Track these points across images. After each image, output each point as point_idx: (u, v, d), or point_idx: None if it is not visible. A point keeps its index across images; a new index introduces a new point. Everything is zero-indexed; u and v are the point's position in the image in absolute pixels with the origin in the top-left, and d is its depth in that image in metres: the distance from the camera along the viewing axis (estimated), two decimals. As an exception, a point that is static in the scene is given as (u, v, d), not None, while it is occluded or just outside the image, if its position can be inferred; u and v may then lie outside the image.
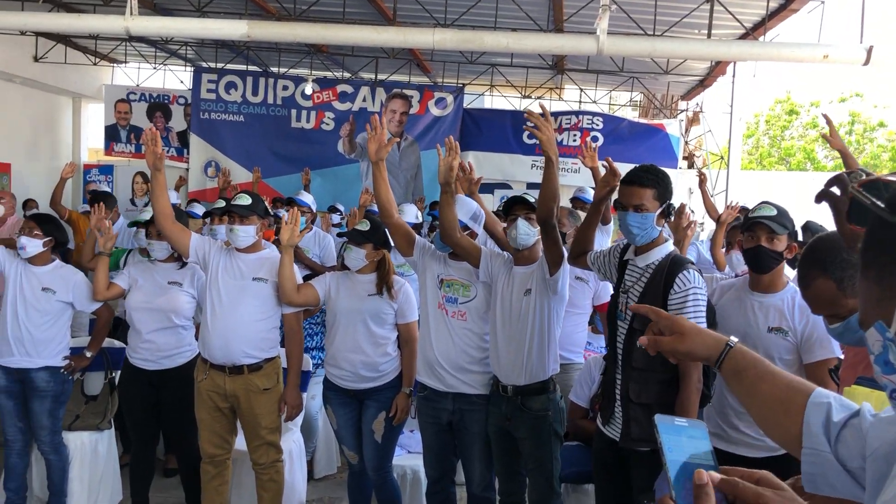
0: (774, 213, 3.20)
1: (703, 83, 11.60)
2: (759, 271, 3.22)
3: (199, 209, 7.10)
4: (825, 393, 1.28)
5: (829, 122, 4.25)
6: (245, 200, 4.10)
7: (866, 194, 0.94)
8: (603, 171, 3.62)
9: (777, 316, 3.15)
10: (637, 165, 3.26)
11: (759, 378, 1.35)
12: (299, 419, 4.56)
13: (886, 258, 0.88)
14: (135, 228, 5.04)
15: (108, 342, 4.91)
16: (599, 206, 3.59)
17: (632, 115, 13.59)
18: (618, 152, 11.04)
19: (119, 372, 4.93)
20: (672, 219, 3.43)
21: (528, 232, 3.63)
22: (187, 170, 11.96)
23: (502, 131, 11.71)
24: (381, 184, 3.80)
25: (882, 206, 0.90)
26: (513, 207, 3.70)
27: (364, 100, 11.80)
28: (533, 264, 3.70)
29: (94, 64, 12.16)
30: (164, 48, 11.89)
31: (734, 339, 1.41)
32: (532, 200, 3.65)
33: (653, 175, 3.17)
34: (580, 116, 11.71)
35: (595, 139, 11.27)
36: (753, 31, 8.23)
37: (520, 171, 11.59)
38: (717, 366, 1.40)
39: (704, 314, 3.01)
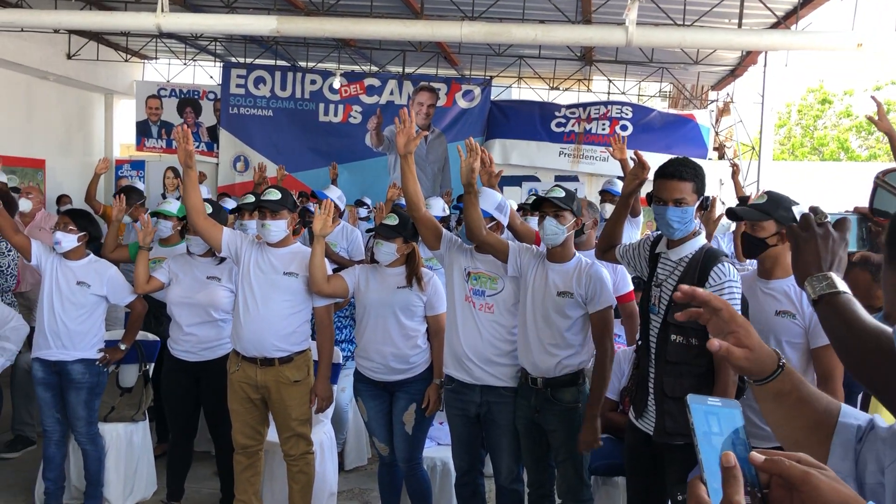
0: (763, 201, 3.20)
1: (734, 73, 11.46)
2: (746, 256, 3.40)
3: (230, 204, 7.17)
4: (853, 413, 1.23)
5: (878, 105, 4.17)
6: (275, 195, 4.14)
7: (891, 184, 0.88)
8: (632, 164, 3.60)
9: (785, 300, 3.13)
10: (672, 158, 3.24)
11: (802, 402, 1.27)
12: (330, 411, 4.59)
13: None
14: (155, 219, 5.12)
15: (142, 335, 4.99)
16: (629, 200, 3.57)
17: (661, 105, 13.45)
18: (647, 142, 10.98)
19: (153, 364, 5.02)
20: (704, 211, 3.42)
21: (555, 231, 3.62)
22: (217, 165, 12.08)
23: (530, 119, 11.68)
24: (409, 177, 3.80)
25: None
26: (542, 205, 3.70)
27: (391, 93, 11.84)
28: (568, 263, 3.69)
29: (126, 60, 12.31)
30: (193, 44, 12.00)
31: (783, 359, 1.30)
32: (561, 195, 3.65)
33: (691, 168, 3.15)
34: (609, 106, 11.64)
35: (624, 128, 11.20)
36: (785, 20, 8.11)
37: (547, 158, 11.51)
38: (762, 382, 1.27)
39: (740, 307, 2.99)
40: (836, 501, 0.90)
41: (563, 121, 11.57)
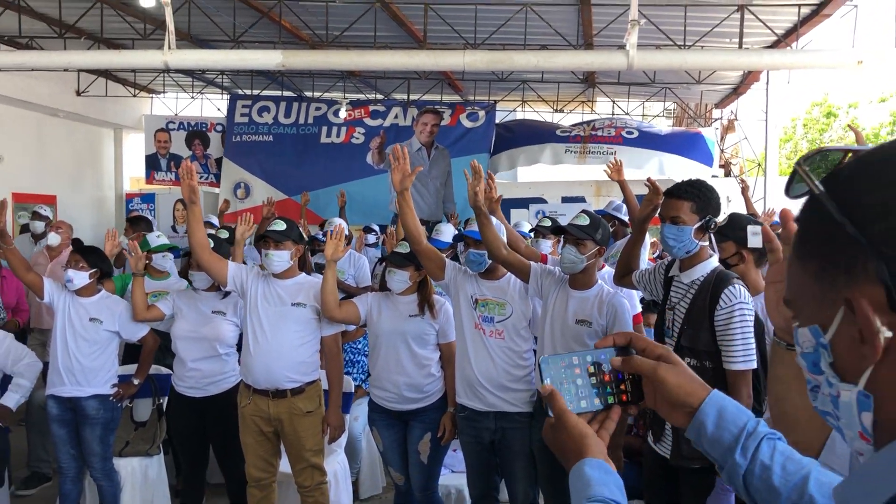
0: (722, 223, 3.33)
1: (737, 91, 11.52)
2: None
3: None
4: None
5: (857, 133, 4.25)
6: (280, 226, 4.18)
7: (810, 175, 0.80)
8: (632, 188, 3.63)
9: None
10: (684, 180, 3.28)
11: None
12: (343, 440, 4.60)
13: (831, 257, 0.75)
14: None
15: (155, 369, 5.01)
16: (644, 225, 3.59)
17: (666, 124, 13.52)
18: (654, 142, 10.95)
19: (166, 398, 5.04)
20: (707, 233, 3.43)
21: (572, 260, 3.61)
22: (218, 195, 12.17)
23: (535, 129, 11.73)
24: (407, 213, 3.82)
25: (822, 189, 0.77)
26: (564, 231, 3.72)
27: (395, 117, 11.88)
28: (589, 290, 3.70)
29: (134, 96, 12.47)
30: (201, 77, 12.15)
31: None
32: (585, 223, 3.65)
33: (693, 188, 3.17)
34: (613, 120, 11.70)
35: (630, 133, 11.19)
36: (786, 38, 8.16)
37: (552, 156, 11.34)
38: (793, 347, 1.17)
39: (752, 329, 2.99)
40: (678, 389, 1.08)
41: (568, 131, 11.59)
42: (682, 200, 3.13)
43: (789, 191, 0.84)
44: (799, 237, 0.81)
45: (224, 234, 5.43)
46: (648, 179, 3.58)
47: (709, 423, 1.10)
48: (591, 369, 1.15)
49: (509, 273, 3.95)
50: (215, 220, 7.31)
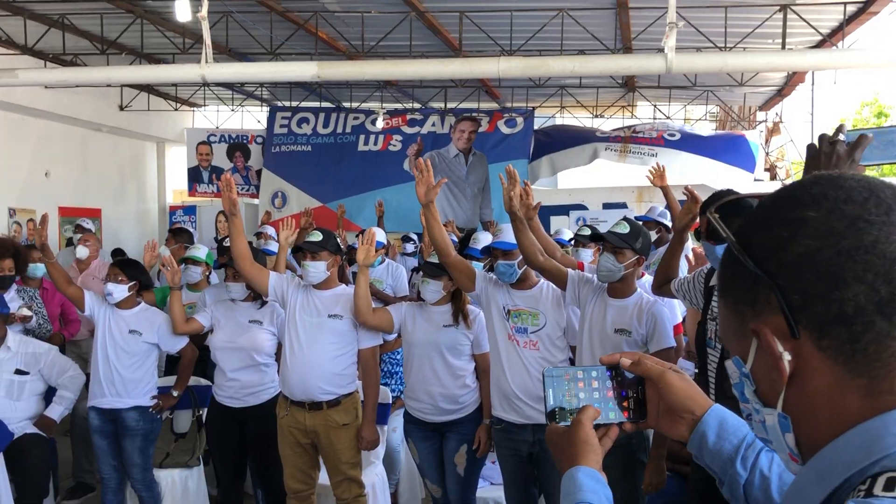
0: (625, 230, 3.46)
1: (781, 93, 11.28)
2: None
3: (273, 246, 7.23)
4: None
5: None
6: (316, 237, 4.18)
7: (720, 222, 0.91)
8: (675, 195, 3.55)
9: None
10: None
11: None
12: (381, 451, 4.57)
13: (741, 295, 0.84)
14: (184, 264, 5.22)
15: (195, 380, 5.04)
16: (682, 235, 3.51)
17: (709, 128, 13.31)
18: (695, 146, 10.79)
19: (205, 409, 5.06)
20: None
21: (609, 268, 3.56)
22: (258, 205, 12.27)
23: (573, 134, 11.64)
24: (434, 226, 3.79)
25: (734, 238, 0.86)
26: (600, 239, 3.66)
27: (433, 125, 11.87)
28: (628, 298, 3.63)
29: (176, 109, 12.66)
30: (240, 91, 12.30)
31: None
32: (624, 231, 3.59)
33: (740, 206, 3.08)
34: (654, 124, 11.56)
35: (672, 135, 11.04)
36: (831, 38, 7.96)
37: (592, 155, 11.20)
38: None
39: None
40: (683, 394, 1.14)
41: (608, 134, 11.47)
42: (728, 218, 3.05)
43: (708, 236, 0.95)
44: (719, 278, 0.91)
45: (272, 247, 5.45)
46: (687, 188, 3.50)
47: (710, 433, 1.14)
48: (595, 384, 1.18)
49: (542, 282, 3.89)
50: (271, 231, 7.34)
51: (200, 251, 5.35)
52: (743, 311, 0.84)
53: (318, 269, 4.13)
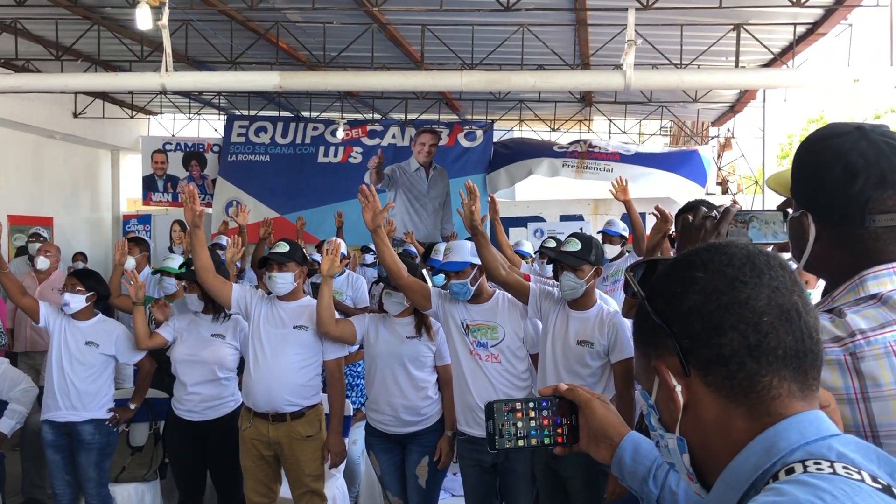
0: (577, 248, 3.56)
1: (734, 109, 11.55)
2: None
3: (222, 239, 7.14)
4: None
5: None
6: (283, 248, 4.16)
7: (633, 279, 1.09)
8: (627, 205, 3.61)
9: None
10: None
11: None
12: (342, 465, 4.55)
13: (648, 339, 1.03)
14: (158, 275, 5.15)
15: (152, 392, 4.97)
16: (654, 253, 3.58)
17: (662, 142, 13.56)
18: (649, 160, 10.97)
19: (163, 422, 4.99)
20: None
21: (572, 286, 3.65)
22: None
23: (532, 145, 11.74)
24: (384, 250, 3.82)
25: (643, 294, 1.04)
26: (560, 259, 3.71)
27: (393, 136, 11.87)
28: (589, 310, 3.69)
29: (132, 117, 12.46)
30: (198, 98, 12.16)
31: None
32: (577, 249, 3.65)
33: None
34: (609, 145, 11.73)
35: (627, 151, 11.21)
36: (781, 56, 8.19)
37: (549, 169, 11.26)
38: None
39: None
40: (605, 421, 1.30)
41: (565, 147, 11.59)
42: None
43: (626, 289, 1.15)
44: (633, 326, 1.08)
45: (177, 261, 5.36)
46: (657, 207, 3.58)
47: (627, 456, 1.31)
48: (532, 413, 1.32)
49: (497, 293, 3.93)
50: (224, 241, 7.27)
51: (174, 261, 5.26)
52: (648, 353, 1.03)
53: (285, 280, 4.12)
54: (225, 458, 4.36)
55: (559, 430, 1.33)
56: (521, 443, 1.31)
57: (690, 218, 1.73)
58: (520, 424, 1.31)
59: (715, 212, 1.70)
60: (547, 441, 1.32)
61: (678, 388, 0.97)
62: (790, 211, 1.55)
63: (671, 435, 1.00)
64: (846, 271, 1.39)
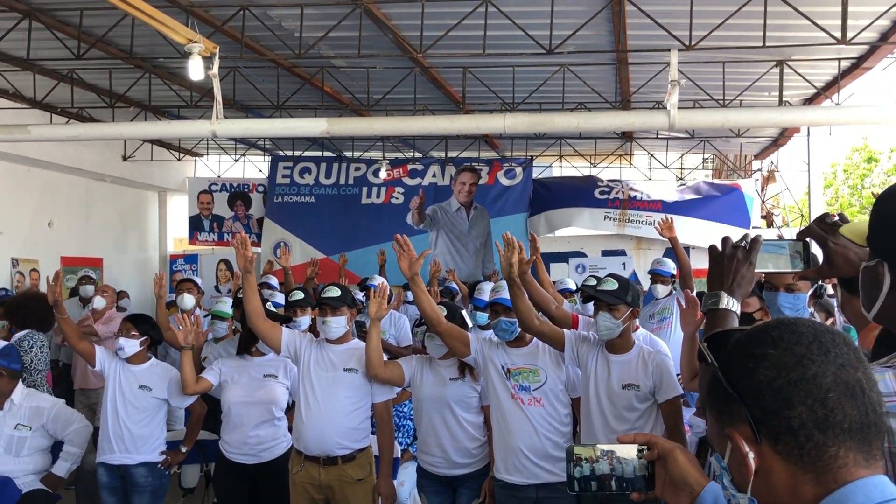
0: (614, 287, 3.49)
1: (777, 142, 11.45)
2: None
3: (279, 297, 7.24)
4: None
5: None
6: (335, 292, 4.20)
7: (707, 350, 1.15)
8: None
9: None
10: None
11: None
12: (390, 506, 4.56)
13: (720, 406, 1.10)
14: (210, 318, 5.22)
15: (203, 435, 5.03)
16: (693, 339, 3.57)
17: (705, 176, 13.46)
18: (693, 208, 10.93)
19: (213, 464, 5.04)
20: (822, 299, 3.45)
21: (609, 326, 3.61)
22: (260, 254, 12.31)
23: (573, 190, 11.72)
24: (422, 297, 3.84)
25: (717, 365, 1.11)
26: (593, 299, 3.70)
27: (434, 175, 12.00)
28: (630, 353, 3.67)
29: (179, 160, 12.76)
30: (243, 140, 12.42)
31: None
32: (613, 288, 3.65)
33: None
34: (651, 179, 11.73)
35: (669, 196, 11.18)
36: (826, 91, 8.13)
37: (591, 221, 11.38)
38: None
39: None
40: (686, 470, 1.34)
41: (607, 189, 11.58)
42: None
43: (700, 358, 1.21)
44: (707, 394, 1.15)
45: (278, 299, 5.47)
46: (686, 294, 3.61)
47: None
48: (611, 460, 1.38)
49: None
50: (274, 282, 7.36)
51: (226, 305, 5.34)
52: (721, 420, 1.10)
53: (339, 324, 4.16)
54: (277, 500, 4.38)
55: (637, 477, 1.39)
56: (593, 485, 1.38)
57: (719, 247, 1.75)
58: (598, 469, 1.38)
59: (744, 241, 1.73)
60: (624, 486, 1.38)
61: (750, 455, 1.04)
62: (809, 241, 1.69)
63: (743, 495, 1.07)
64: None
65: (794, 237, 1.78)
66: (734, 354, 1.10)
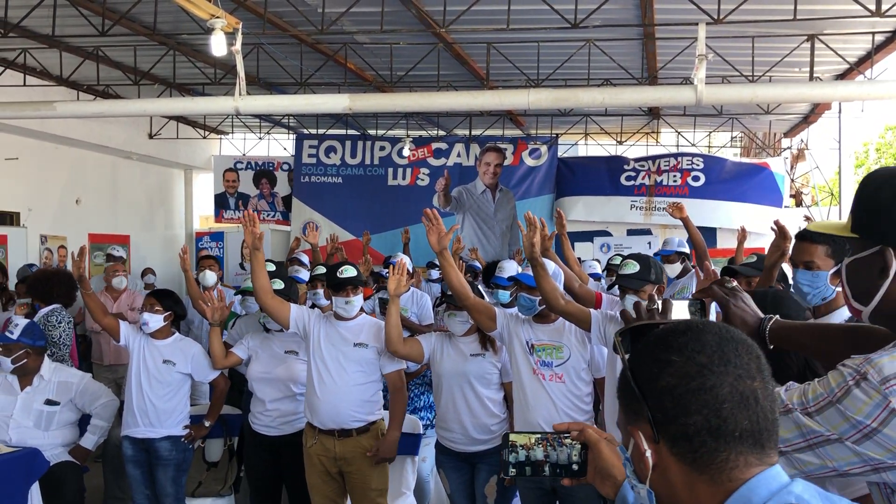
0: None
1: (807, 120, 11.24)
2: None
3: (304, 274, 7.27)
4: None
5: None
6: (352, 272, 4.23)
7: (621, 347, 1.25)
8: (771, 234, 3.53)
9: None
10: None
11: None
12: (412, 482, 4.59)
13: (629, 402, 1.18)
14: (240, 296, 5.24)
15: (226, 409, 5.07)
16: (772, 272, 3.50)
17: (733, 154, 13.26)
18: (721, 191, 10.83)
19: (237, 438, 5.09)
20: None
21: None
22: (289, 233, 12.39)
23: (598, 175, 11.65)
24: (450, 272, 3.85)
25: (627, 364, 1.19)
26: (621, 284, 3.68)
27: (458, 155, 11.99)
28: None
29: (204, 137, 12.83)
30: (268, 119, 12.45)
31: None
32: (635, 271, 3.61)
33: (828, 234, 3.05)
34: (679, 158, 11.54)
35: (696, 179, 11.09)
36: (859, 66, 7.94)
37: (617, 212, 11.41)
38: None
39: None
40: (609, 461, 1.45)
41: (633, 174, 11.50)
42: (815, 244, 2.95)
43: (616, 349, 1.30)
44: (618, 384, 1.23)
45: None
46: (776, 222, 3.51)
47: (629, 495, 1.45)
48: (545, 446, 1.46)
49: None
50: (305, 259, 7.39)
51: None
52: (628, 415, 1.19)
53: (360, 301, 4.21)
54: (299, 472, 4.42)
55: (570, 464, 1.48)
56: (528, 470, 1.46)
57: (633, 313, 1.79)
58: (533, 455, 1.46)
59: (656, 305, 1.77)
60: (558, 472, 1.47)
61: (648, 452, 1.13)
62: (704, 301, 1.80)
63: (643, 486, 1.16)
64: None
65: (692, 297, 1.87)
66: (643, 356, 1.18)
